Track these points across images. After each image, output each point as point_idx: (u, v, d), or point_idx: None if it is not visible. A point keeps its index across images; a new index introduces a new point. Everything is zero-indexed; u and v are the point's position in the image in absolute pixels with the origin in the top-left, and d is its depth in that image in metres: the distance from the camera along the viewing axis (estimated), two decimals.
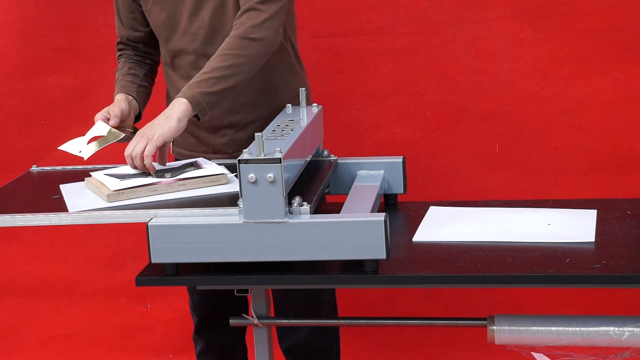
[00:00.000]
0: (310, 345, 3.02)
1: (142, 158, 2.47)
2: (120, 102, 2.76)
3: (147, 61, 2.94)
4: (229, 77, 2.56)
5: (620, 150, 3.58)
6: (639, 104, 3.54)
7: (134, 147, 2.47)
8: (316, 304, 2.96)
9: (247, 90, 2.79)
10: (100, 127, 2.65)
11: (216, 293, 2.87)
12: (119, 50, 2.96)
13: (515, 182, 3.63)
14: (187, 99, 2.50)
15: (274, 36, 2.63)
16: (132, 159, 2.48)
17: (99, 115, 2.69)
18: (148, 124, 2.53)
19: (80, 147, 2.64)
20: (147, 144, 2.46)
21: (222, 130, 2.84)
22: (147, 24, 2.90)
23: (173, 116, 2.49)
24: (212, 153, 2.86)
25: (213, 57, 2.59)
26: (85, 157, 2.61)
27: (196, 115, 2.53)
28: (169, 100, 2.94)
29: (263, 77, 2.80)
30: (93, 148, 2.62)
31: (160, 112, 2.95)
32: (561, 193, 3.59)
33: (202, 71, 2.57)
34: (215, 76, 2.54)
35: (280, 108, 2.74)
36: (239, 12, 2.63)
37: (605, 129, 3.57)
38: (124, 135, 2.65)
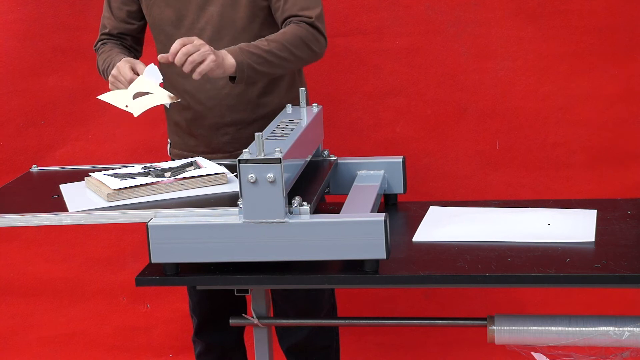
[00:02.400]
0: (310, 344, 3.02)
1: (187, 59, 2.48)
2: (131, 60, 2.69)
3: (132, 54, 2.93)
4: (275, 66, 2.64)
5: (619, 145, 3.60)
6: (637, 100, 3.56)
7: (194, 51, 2.47)
8: (316, 304, 2.96)
9: (251, 89, 2.80)
10: (144, 83, 2.58)
11: (216, 294, 2.87)
12: (102, 40, 2.92)
13: (515, 179, 3.64)
14: (237, 63, 2.56)
15: (322, 55, 2.76)
16: (182, 56, 2.48)
17: (126, 72, 2.60)
18: (206, 45, 2.52)
19: (125, 101, 2.57)
20: (206, 61, 2.48)
21: (223, 128, 2.84)
22: (140, 18, 2.89)
23: (222, 68, 2.53)
24: (211, 153, 2.85)
25: (273, 39, 2.64)
26: (136, 114, 2.56)
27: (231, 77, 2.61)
28: None
29: None
30: (143, 105, 2.56)
31: (160, 111, 2.95)
32: (560, 189, 3.60)
33: (259, 44, 2.62)
34: (267, 58, 2.61)
35: (281, 107, 2.74)
36: (293, 19, 2.69)
37: (603, 125, 3.58)
38: (177, 101, 2.60)
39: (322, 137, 2.70)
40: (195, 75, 2.49)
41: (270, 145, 2.20)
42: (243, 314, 2.50)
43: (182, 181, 2.42)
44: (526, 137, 3.61)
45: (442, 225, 2.44)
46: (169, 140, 2.99)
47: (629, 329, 2.22)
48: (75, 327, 3.90)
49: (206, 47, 2.49)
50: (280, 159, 2.12)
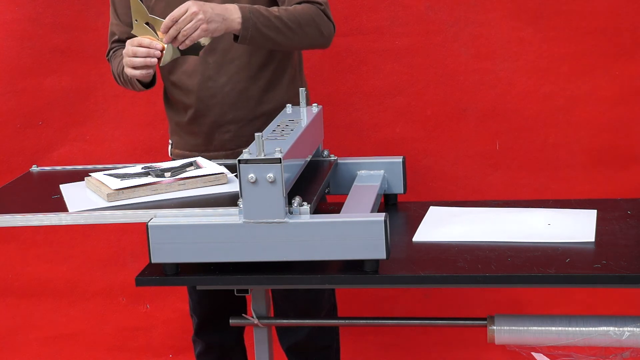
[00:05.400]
0: (310, 344, 3.02)
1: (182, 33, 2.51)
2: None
3: None
4: (281, 34, 2.65)
5: (619, 146, 3.59)
6: (637, 101, 3.56)
7: (185, 24, 2.49)
8: (316, 304, 2.96)
9: (253, 86, 2.80)
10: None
11: (216, 294, 2.87)
12: (113, 49, 2.93)
13: (515, 180, 3.64)
14: (243, 21, 2.57)
15: (330, 42, 2.79)
16: (174, 32, 2.50)
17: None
18: (206, 4, 2.53)
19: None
20: (197, 30, 2.50)
21: (225, 126, 2.84)
22: None
23: (226, 24, 2.55)
24: (213, 151, 2.85)
25: (285, 8, 2.68)
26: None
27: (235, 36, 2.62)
28: (167, 101, 2.93)
29: (269, 72, 2.81)
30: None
31: (159, 112, 2.95)
32: (560, 190, 3.60)
33: (271, 9, 2.65)
34: (275, 24, 2.63)
35: (283, 105, 2.74)
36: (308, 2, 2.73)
37: (603, 126, 3.58)
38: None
39: (322, 137, 2.70)
40: (182, 45, 2.52)
41: (270, 145, 2.20)
42: (243, 314, 2.50)
43: (182, 181, 2.42)
44: (526, 137, 3.61)
45: (442, 225, 2.44)
46: (170, 141, 2.99)
47: (629, 329, 2.22)
48: (75, 327, 3.90)
49: (198, 17, 2.50)
50: (280, 159, 2.12)
